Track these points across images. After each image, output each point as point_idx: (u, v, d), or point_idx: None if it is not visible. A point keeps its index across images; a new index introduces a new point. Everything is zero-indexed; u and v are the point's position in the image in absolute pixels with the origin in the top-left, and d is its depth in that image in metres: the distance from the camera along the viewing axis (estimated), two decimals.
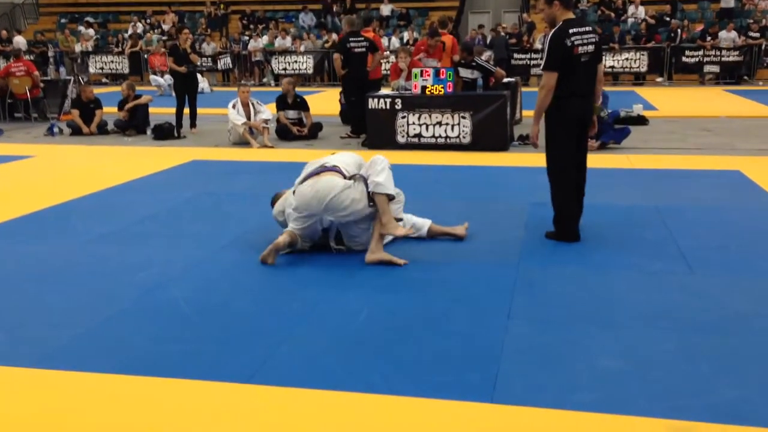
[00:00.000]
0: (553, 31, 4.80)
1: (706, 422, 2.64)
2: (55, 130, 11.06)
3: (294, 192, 4.74)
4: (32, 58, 18.32)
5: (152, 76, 17.90)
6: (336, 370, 3.13)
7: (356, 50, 10.09)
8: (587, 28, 4.85)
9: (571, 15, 4.85)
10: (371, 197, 4.53)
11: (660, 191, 6.40)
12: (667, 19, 19.11)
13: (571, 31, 4.73)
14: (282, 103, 10.15)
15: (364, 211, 4.58)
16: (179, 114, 10.76)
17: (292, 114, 10.16)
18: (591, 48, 4.80)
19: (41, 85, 12.98)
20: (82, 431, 2.71)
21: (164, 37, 21.01)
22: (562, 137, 4.86)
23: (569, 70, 4.74)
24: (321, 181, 4.62)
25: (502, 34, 18.73)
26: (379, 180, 4.52)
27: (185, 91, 10.81)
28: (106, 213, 6.02)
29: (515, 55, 18.34)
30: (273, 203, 5.14)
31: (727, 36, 17.75)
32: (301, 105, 10.21)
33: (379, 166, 4.60)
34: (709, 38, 17.79)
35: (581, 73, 4.80)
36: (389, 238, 4.80)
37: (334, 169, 4.71)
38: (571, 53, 4.71)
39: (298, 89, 10.81)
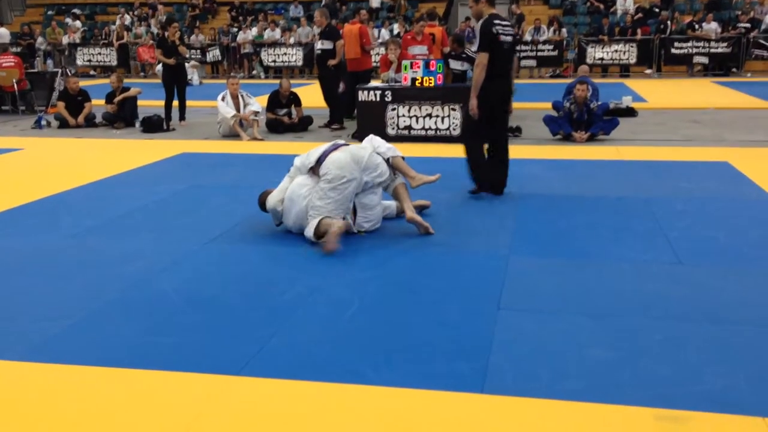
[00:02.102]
0: (482, 21, 5.81)
1: (694, 411, 2.67)
2: (43, 122, 10.98)
3: (317, 171, 4.81)
4: (18, 50, 18.17)
5: (158, 67, 17.53)
6: (327, 361, 3.13)
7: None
8: (507, 22, 5.94)
9: (494, 11, 5.88)
10: (389, 164, 4.98)
11: (649, 182, 6.43)
12: (657, 10, 19.14)
13: (495, 21, 5.77)
14: (274, 103, 10.09)
15: (386, 174, 4.95)
16: (168, 106, 10.70)
17: (281, 111, 10.13)
18: (510, 38, 5.88)
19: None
20: (70, 424, 2.70)
21: (152, 29, 20.89)
22: (483, 109, 5.85)
23: (494, 54, 5.74)
24: (350, 147, 4.92)
25: None
26: (390, 146, 5.08)
27: (174, 83, 10.75)
28: (94, 206, 5.99)
29: None
30: (261, 202, 5.14)
31: (708, 27, 17.83)
32: (294, 101, 10.19)
33: (379, 139, 5.12)
34: (697, 27, 17.86)
35: (503, 58, 5.83)
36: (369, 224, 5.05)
37: (347, 144, 5.02)
38: (497, 39, 5.73)
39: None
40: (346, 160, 4.77)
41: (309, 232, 4.72)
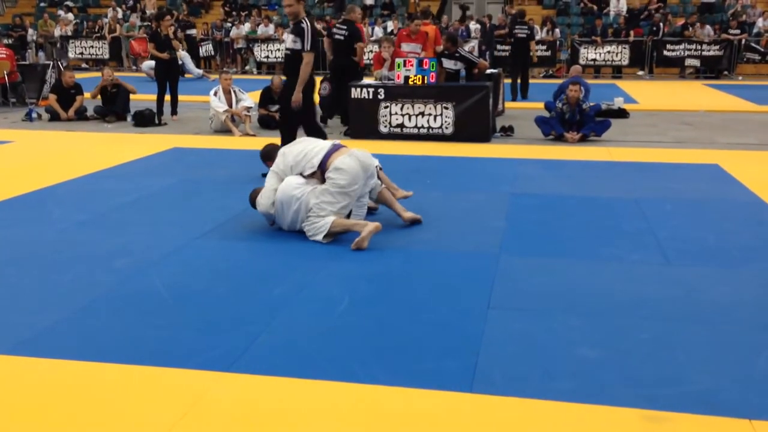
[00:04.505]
0: (307, 22, 6.34)
1: (681, 412, 2.68)
2: (34, 115, 10.91)
3: (318, 174, 4.84)
4: (10, 42, 18.04)
5: (145, 63, 17.51)
6: (316, 358, 3.14)
7: (335, 36, 10.04)
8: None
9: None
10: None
11: (639, 184, 6.46)
12: (651, 11, 19.18)
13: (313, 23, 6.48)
14: (266, 99, 10.08)
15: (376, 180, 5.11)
16: (160, 101, 10.66)
17: (274, 107, 10.11)
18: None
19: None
20: (59, 419, 2.70)
21: (145, 23, 20.80)
22: (306, 101, 6.53)
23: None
24: (356, 152, 4.90)
25: (490, 24, 18.71)
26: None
27: (166, 77, 10.71)
28: (85, 199, 5.97)
29: (498, 47, 18.34)
30: (252, 200, 5.09)
31: (701, 31, 17.92)
32: None
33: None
34: (690, 29, 17.95)
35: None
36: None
37: (344, 146, 5.03)
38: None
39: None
40: (356, 167, 4.78)
41: (319, 233, 4.71)
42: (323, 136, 6.41)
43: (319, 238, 4.71)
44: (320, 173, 4.83)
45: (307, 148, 4.97)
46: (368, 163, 4.91)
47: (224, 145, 8.74)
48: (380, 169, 5.25)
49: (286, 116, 6.75)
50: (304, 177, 4.89)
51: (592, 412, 2.70)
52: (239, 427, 2.63)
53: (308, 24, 6.37)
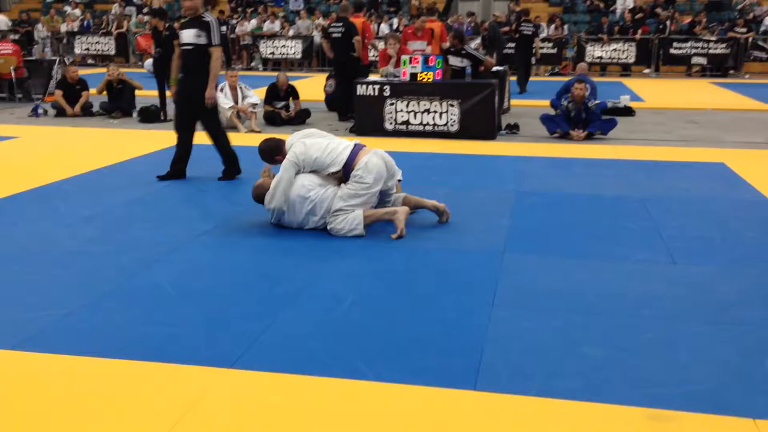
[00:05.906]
0: (211, 17, 6.33)
1: (685, 411, 2.68)
2: (40, 111, 10.95)
3: (338, 174, 4.86)
4: (16, 38, 18.08)
5: (147, 61, 17.55)
6: (320, 355, 3.14)
7: (333, 35, 10.21)
8: None
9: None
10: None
11: (645, 182, 6.44)
12: (657, 11, 19.12)
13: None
14: (272, 96, 10.10)
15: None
16: (162, 97, 10.65)
17: (279, 104, 10.13)
18: None
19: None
20: (63, 414, 2.70)
21: (148, 19, 20.82)
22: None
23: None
24: (379, 152, 4.95)
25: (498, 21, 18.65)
26: None
27: (164, 73, 10.69)
28: (90, 195, 5.98)
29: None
30: (257, 195, 5.04)
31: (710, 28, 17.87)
32: (291, 93, 10.19)
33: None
34: (698, 26, 17.89)
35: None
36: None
37: (364, 145, 5.07)
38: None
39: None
40: (382, 167, 4.85)
41: (356, 227, 4.74)
42: (232, 157, 6.48)
43: (359, 230, 4.75)
44: (342, 172, 4.84)
45: (332, 145, 4.91)
46: (391, 162, 4.99)
47: (230, 141, 8.72)
48: None
49: (190, 114, 6.53)
50: (322, 176, 4.87)
51: (597, 411, 2.70)
52: (243, 424, 2.63)
53: (213, 18, 6.32)
